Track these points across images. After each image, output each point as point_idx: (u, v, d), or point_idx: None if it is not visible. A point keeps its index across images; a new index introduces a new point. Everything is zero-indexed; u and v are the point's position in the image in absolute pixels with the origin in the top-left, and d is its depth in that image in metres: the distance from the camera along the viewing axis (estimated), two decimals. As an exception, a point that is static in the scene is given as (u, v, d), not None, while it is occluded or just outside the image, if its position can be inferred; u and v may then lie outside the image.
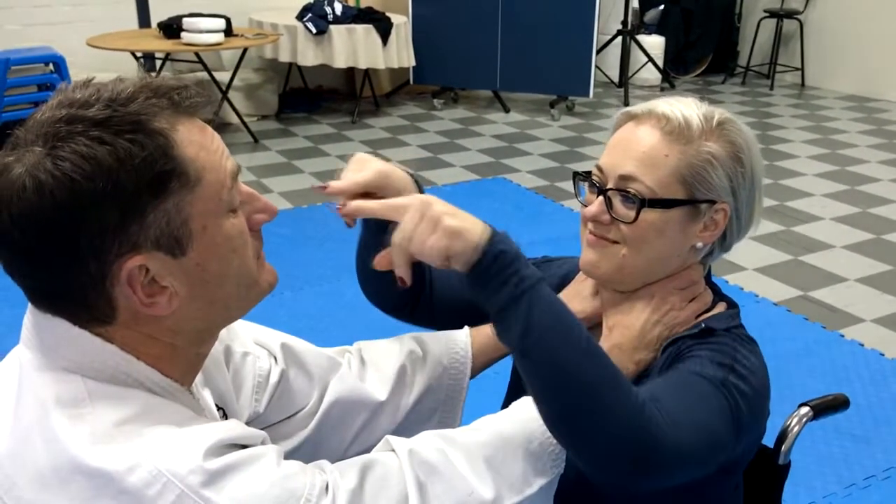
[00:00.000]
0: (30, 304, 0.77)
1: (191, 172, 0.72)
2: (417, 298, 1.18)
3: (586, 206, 1.05)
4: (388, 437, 0.86)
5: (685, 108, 1.02)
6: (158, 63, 5.33)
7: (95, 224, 0.69)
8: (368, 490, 0.77)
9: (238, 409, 0.97)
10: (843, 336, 3.03)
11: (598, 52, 6.25)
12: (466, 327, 1.13)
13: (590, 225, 1.04)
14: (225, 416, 0.91)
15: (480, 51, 6.00)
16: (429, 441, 0.84)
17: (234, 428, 0.75)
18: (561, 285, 1.18)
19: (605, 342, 1.03)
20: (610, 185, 1.01)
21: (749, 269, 3.50)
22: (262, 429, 1.01)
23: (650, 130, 1.00)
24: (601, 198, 1.02)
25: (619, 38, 6.66)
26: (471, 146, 5.37)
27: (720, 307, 1.07)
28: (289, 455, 1.02)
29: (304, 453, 1.04)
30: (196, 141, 0.74)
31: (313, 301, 3.23)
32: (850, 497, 2.21)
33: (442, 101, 6.32)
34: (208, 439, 0.71)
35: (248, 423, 0.98)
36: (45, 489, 0.68)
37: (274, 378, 1.02)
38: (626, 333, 1.03)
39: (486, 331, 1.12)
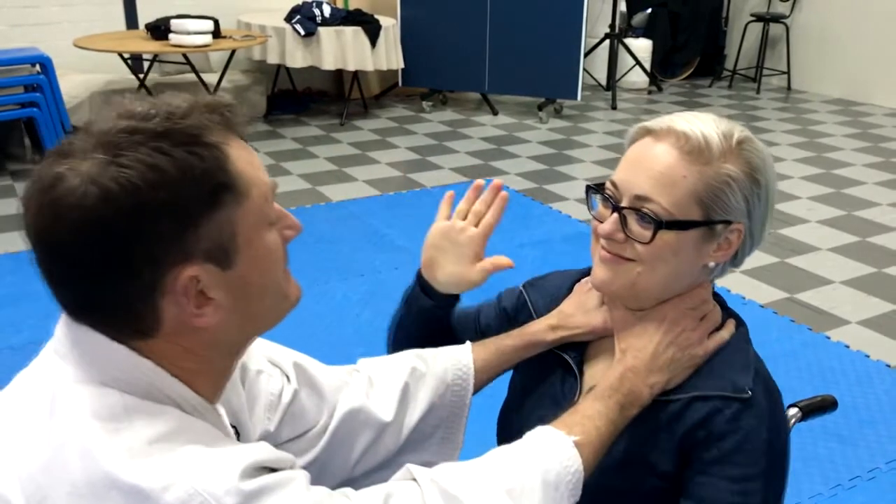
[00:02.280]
0: (63, 317, 0.77)
1: (241, 186, 0.74)
2: None
3: (599, 220, 1.03)
4: (410, 465, 0.86)
5: (704, 126, 0.98)
6: (146, 64, 5.30)
7: (154, 233, 0.70)
8: None
9: (251, 427, 0.97)
10: (829, 338, 3.05)
11: (586, 55, 6.27)
12: (468, 342, 1.13)
13: (603, 241, 1.02)
14: (237, 434, 0.91)
15: (469, 53, 6.01)
16: (450, 471, 0.85)
17: (266, 450, 0.76)
18: (553, 302, 1.16)
19: (619, 365, 1.01)
20: (625, 204, 0.99)
21: (736, 271, 3.51)
22: (274, 446, 1.02)
23: (668, 149, 0.98)
24: (615, 215, 0.99)
25: (607, 42, 6.69)
26: (459, 148, 5.37)
27: (729, 326, 1.06)
28: None
29: (311, 472, 1.04)
30: (244, 157, 0.76)
31: (302, 304, 3.21)
32: (836, 497, 2.22)
33: (430, 103, 6.32)
34: (243, 460, 0.71)
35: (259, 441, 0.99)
36: (79, 501, 0.68)
37: (286, 398, 1.02)
38: (639, 356, 1.01)
39: (489, 345, 1.12)
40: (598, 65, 6.98)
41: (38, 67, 4.56)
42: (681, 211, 0.97)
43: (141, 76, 5.07)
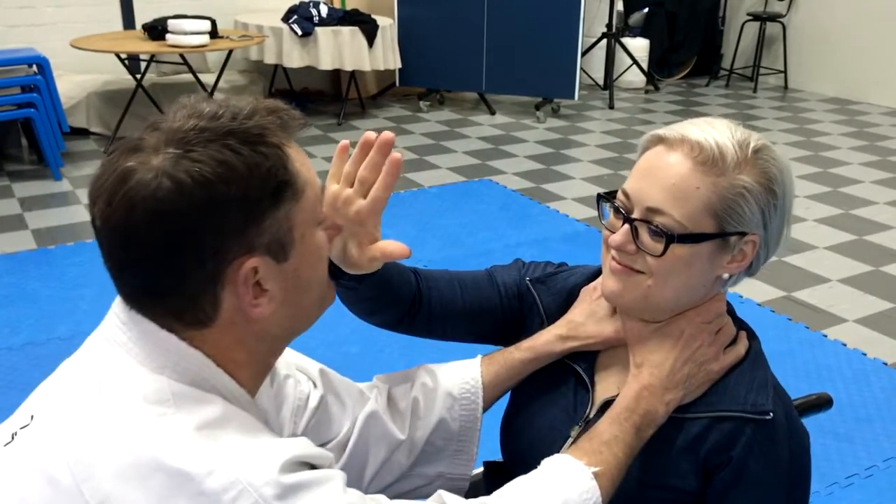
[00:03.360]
0: (119, 306, 0.79)
1: (298, 185, 0.79)
2: (413, 316, 1.13)
3: (609, 230, 1.00)
4: (441, 492, 0.88)
5: (719, 134, 0.95)
6: (143, 65, 5.30)
7: (221, 226, 0.74)
8: None
9: (277, 428, 0.99)
10: (826, 336, 3.06)
11: (583, 54, 6.28)
12: (478, 357, 1.12)
13: (613, 252, 0.99)
14: None
15: (466, 53, 6.02)
16: (477, 502, 0.87)
17: (307, 445, 0.78)
18: (568, 299, 1.14)
19: (635, 382, 0.99)
20: (636, 215, 0.96)
21: (733, 270, 3.52)
22: None
23: (681, 159, 0.94)
24: (627, 227, 0.97)
25: (604, 41, 6.70)
26: (457, 148, 5.38)
27: (743, 339, 1.04)
28: None
29: None
30: (300, 157, 0.80)
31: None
32: (833, 496, 2.23)
33: (428, 103, 6.32)
34: (285, 454, 0.73)
35: None
36: (124, 482, 0.69)
37: (313, 402, 1.05)
38: (655, 374, 0.99)
39: (497, 359, 1.11)
40: (595, 64, 6.98)
41: (34, 68, 4.56)
42: (694, 224, 0.94)
43: (138, 76, 5.06)
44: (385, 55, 5.81)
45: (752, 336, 1.06)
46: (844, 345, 3.00)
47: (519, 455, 1.12)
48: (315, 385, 1.06)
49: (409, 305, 1.11)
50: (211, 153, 0.73)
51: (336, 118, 5.90)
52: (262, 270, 0.77)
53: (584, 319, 1.09)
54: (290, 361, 1.06)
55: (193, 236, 0.73)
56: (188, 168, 0.72)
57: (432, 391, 1.08)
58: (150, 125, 0.77)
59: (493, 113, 6.21)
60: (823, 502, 2.19)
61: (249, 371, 0.83)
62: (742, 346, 1.03)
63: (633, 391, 0.98)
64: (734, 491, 0.97)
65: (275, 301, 0.79)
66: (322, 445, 1.04)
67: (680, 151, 0.95)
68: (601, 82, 6.99)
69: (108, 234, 0.75)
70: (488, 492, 0.91)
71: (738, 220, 0.95)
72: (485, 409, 1.10)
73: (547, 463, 0.93)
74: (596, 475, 0.91)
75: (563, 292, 1.15)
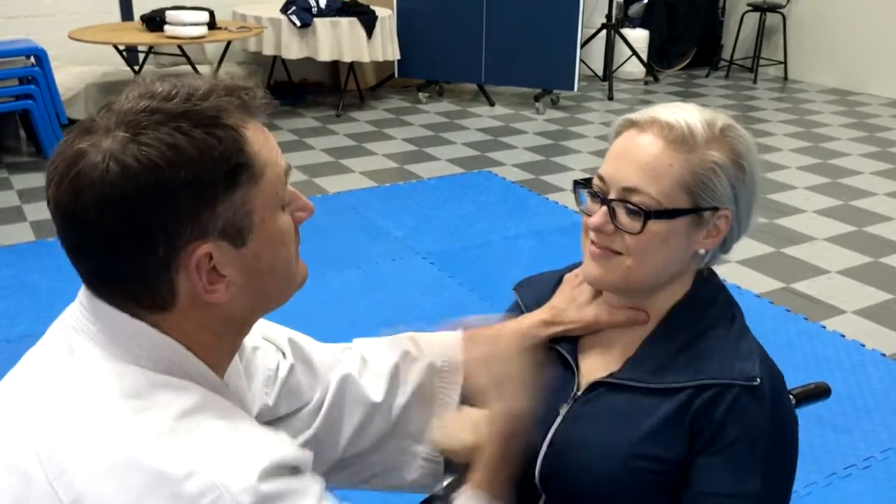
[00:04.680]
0: (83, 293, 0.78)
1: (256, 168, 0.76)
2: None
3: (588, 215, 1.03)
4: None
5: (688, 115, 1.00)
6: (141, 56, 5.29)
7: (171, 210, 0.72)
8: None
9: (249, 402, 0.98)
10: (824, 327, 3.06)
11: (583, 45, 6.26)
12: (459, 331, 1.12)
13: (592, 235, 1.03)
14: None
15: (465, 44, 6.00)
16: None
17: (289, 448, 0.77)
18: (544, 299, 1.15)
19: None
20: (613, 196, 1.00)
21: (732, 261, 3.52)
22: (271, 421, 1.02)
23: (653, 139, 0.99)
24: (604, 208, 1.00)
25: (604, 32, 6.68)
26: (456, 139, 5.37)
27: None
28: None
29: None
30: (259, 139, 0.78)
31: (299, 295, 3.22)
32: (831, 486, 2.23)
33: (427, 94, 6.31)
34: (265, 459, 0.72)
35: (258, 416, 1.00)
36: (99, 481, 0.68)
37: (283, 373, 1.04)
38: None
39: (482, 339, 1.11)
40: (594, 55, 6.97)
41: (32, 59, 4.54)
42: (669, 200, 0.98)
43: (136, 68, 5.05)
44: (384, 46, 5.79)
45: (734, 311, 1.07)
46: (843, 336, 3.00)
47: None
48: (284, 355, 1.06)
49: None
50: (160, 136, 0.71)
51: (335, 110, 5.89)
52: (218, 256, 0.75)
53: (566, 306, 1.11)
54: (258, 332, 1.05)
55: (143, 221, 0.72)
56: (135, 152, 0.70)
57: (415, 360, 1.08)
58: (105, 105, 0.76)
59: (492, 104, 6.20)
60: (822, 493, 2.20)
61: (217, 353, 0.82)
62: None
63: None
64: (709, 452, 0.98)
65: (234, 286, 0.78)
66: (295, 413, 1.05)
67: (651, 132, 1.00)
68: (601, 73, 6.98)
69: (59, 218, 0.74)
70: None
71: (711, 195, 0.99)
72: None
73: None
74: None
75: (542, 288, 1.17)
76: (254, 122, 0.78)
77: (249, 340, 1.02)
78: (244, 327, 0.86)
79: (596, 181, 1.03)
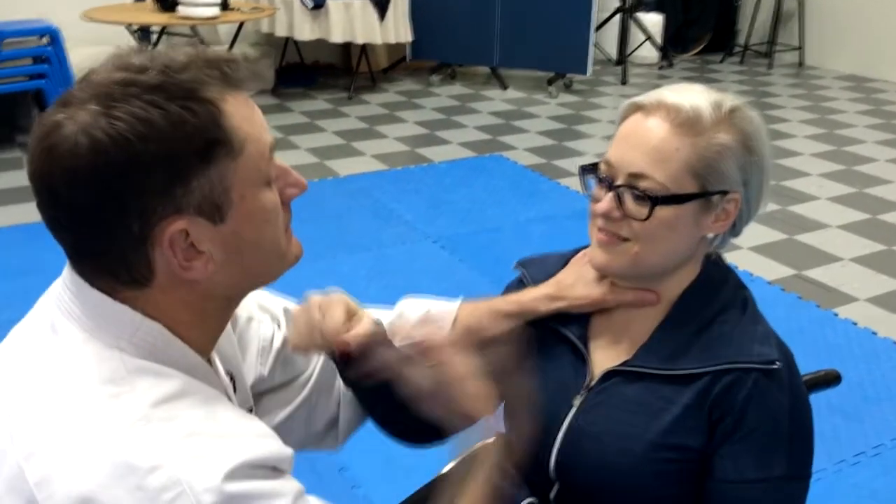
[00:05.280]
0: (66, 272, 0.78)
1: (235, 143, 0.74)
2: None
3: (594, 201, 1.02)
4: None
5: (694, 97, 0.99)
6: (154, 36, 5.28)
7: (143, 186, 0.71)
8: None
9: (244, 372, 0.99)
10: (836, 315, 3.05)
11: (597, 29, 6.21)
12: (459, 299, 1.13)
13: (599, 221, 1.02)
14: (233, 381, 0.92)
15: (478, 27, 5.96)
16: None
17: (268, 446, 0.74)
18: (550, 277, 1.15)
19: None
20: (620, 182, 0.99)
21: (744, 247, 3.51)
22: (266, 390, 1.03)
23: (659, 123, 0.98)
24: (611, 194, 0.99)
25: (618, 16, 6.62)
26: (468, 123, 5.35)
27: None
28: (286, 420, 1.04)
29: (299, 418, 1.07)
30: (241, 113, 0.75)
31: (309, 278, 3.23)
32: (840, 473, 2.23)
33: (439, 77, 6.29)
34: (236, 458, 0.70)
35: (253, 386, 1.01)
36: (65, 465, 0.68)
37: (277, 343, 1.04)
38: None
39: (482, 307, 1.12)
40: (608, 39, 6.91)
41: (46, 39, 4.55)
42: (676, 185, 0.97)
43: (149, 48, 5.05)
44: (397, 28, 5.76)
45: (744, 293, 1.07)
46: (855, 324, 2.99)
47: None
48: (279, 325, 1.06)
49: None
50: (132, 110, 0.69)
51: (346, 92, 5.88)
52: (195, 232, 0.74)
53: (574, 281, 1.10)
54: (254, 302, 1.04)
55: (114, 196, 0.70)
56: (105, 126, 0.69)
57: (405, 322, 1.09)
58: (83, 76, 0.74)
59: (504, 88, 6.17)
60: (832, 480, 2.20)
61: (201, 331, 0.81)
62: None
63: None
64: (734, 439, 0.98)
65: (214, 262, 0.76)
66: (291, 381, 1.06)
67: (657, 116, 0.98)
68: (614, 58, 6.93)
69: (36, 191, 0.73)
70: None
71: (719, 179, 0.98)
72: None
73: None
74: None
75: (549, 268, 1.16)
76: (237, 94, 0.76)
77: (244, 311, 1.01)
78: (230, 303, 0.85)
79: (602, 166, 1.02)
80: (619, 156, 1.00)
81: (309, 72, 6.21)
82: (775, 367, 0.98)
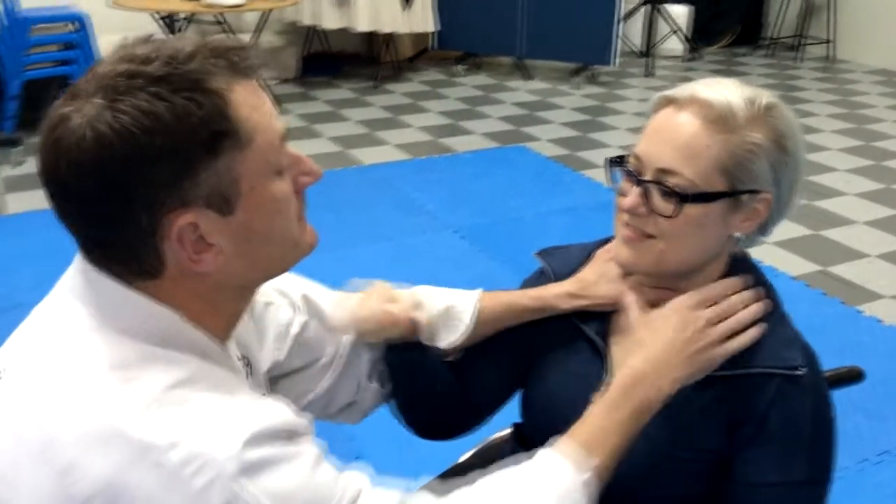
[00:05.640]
0: (78, 260, 0.78)
1: (243, 133, 0.73)
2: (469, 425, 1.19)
3: (621, 195, 1.00)
4: (430, 481, 0.88)
5: (728, 92, 0.95)
6: (181, 24, 5.31)
7: (149, 178, 0.70)
8: None
9: (261, 358, 0.99)
10: (861, 312, 3.01)
11: (623, 20, 6.16)
12: (479, 291, 1.12)
13: (625, 216, 0.99)
14: (248, 366, 0.93)
15: (503, 17, 5.94)
16: (463, 498, 0.85)
17: (282, 414, 0.75)
18: (573, 272, 1.14)
19: (629, 368, 0.96)
20: (648, 177, 0.96)
21: (769, 242, 3.48)
22: (284, 375, 1.04)
23: (691, 118, 0.95)
24: (638, 189, 0.97)
25: (645, 7, 6.57)
26: (491, 113, 5.34)
27: (758, 327, 1.00)
28: (308, 405, 1.05)
29: (321, 401, 1.08)
30: (250, 102, 0.74)
31: (330, 267, 3.23)
32: (863, 472, 2.21)
33: (464, 67, 6.27)
34: (252, 426, 0.71)
35: (269, 370, 1.01)
36: (86, 450, 0.68)
37: (295, 328, 1.04)
38: (649, 360, 0.96)
39: (501, 298, 1.12)
40: (634, 31, 6.86)
41: (74, 25, 4.59)
42: (705, 182, 0.94)
43: (175, 35, 5.08)
44: (422, 18, 5.76)
45: (769, 293, 1.03)
46: (880, 321, 2.95)
47: (541, 427, 1.12)
48: (297, 309, 1.06)
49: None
50: (137, 102, 0.69)
51: (371, 81, 5.88)
52: (204, 225, 0.73)
53: (597, 279, 1.09)
54: (273, 287, 1.04)
55: (121, 189, 0.70)
56: (110, 119, 0.69)
57: (426, 312, 1.09)
58: (90, 68, 0.74)
59: (529, 78, 6.14)
60: (854, 478, 2.18)
61: (215, 320, 0.80)
62: (756, 331, 0.99)
63: (629, 377, 0.95)
64: (755, 443, 0.97)
65: (224, 254, 0.75)
66: (310, 364, 1.06)
67: (690, 111, 0.95)
68: (640, 49, 6.87)
69: (45, 183, 0.74)
70: (513, 452, 0.91)
71: (750, 178, 0.95)
72: (472, 343, 1.11)
73: (543, 455, 0.90)
74: (594, 468, 0.88)
75: (571, 260, 1.14)
76: (246, 83, 0.75)
77: (262, 296, 1.01)
78: (244, 293, 0.84)
79: (631, 159, 1.00)
80: (647, 150, 0.97)
81: (334, 60, 6.22)
82: (799, 372, 0.96)
